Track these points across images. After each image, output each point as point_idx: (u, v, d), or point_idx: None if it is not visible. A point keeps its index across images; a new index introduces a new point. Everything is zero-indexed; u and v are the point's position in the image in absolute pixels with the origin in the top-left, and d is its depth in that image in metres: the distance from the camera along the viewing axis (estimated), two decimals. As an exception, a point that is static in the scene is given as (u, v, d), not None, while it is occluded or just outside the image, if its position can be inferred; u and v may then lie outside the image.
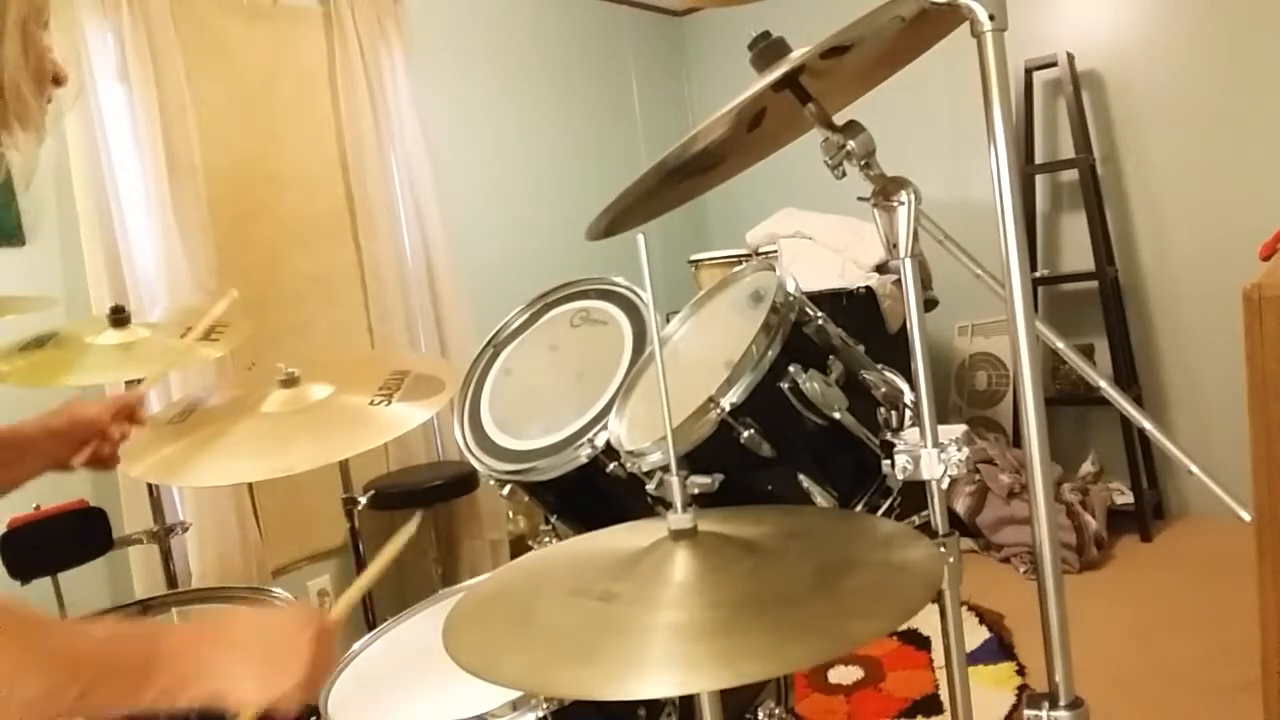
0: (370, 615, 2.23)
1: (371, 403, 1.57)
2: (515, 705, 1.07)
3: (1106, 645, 2.53)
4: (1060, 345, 0.96)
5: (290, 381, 1.61)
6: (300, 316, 2.81)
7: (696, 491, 0.99)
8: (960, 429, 0.91)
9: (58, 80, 0.97)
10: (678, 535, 0.85)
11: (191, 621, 0.84)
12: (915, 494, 0.96)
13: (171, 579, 2.09)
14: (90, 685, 0.73)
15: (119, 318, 1.85)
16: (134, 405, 1.37)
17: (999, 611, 2.78)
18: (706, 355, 1.24)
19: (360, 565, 2.22)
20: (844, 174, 0.92)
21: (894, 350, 1.12)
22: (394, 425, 1.54)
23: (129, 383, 2.00)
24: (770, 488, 1.09)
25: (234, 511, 2.42)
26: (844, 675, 2.52)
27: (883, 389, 1.13)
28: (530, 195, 3.59)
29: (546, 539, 1.41)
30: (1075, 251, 3.49)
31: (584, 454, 1.28)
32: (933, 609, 0.87)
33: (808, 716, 2.37)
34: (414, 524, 1.10)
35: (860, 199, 0.92)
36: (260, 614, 0.97)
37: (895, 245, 0.89)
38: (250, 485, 2.47)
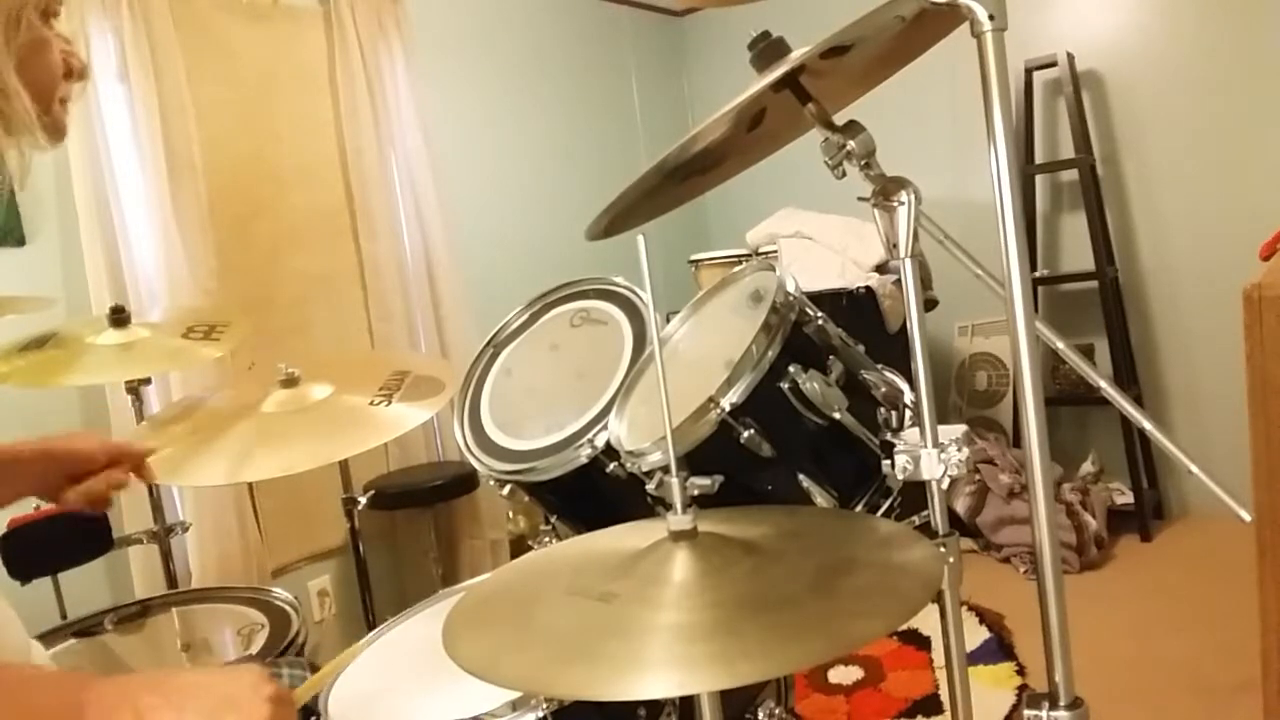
0: (370, 615, 2.23)
1: (371, 403, 1.57)
2: (515, 705, 1.06)
3: (1106, 645, 2.53)
4: (1060, 345, 0.96)
5: (290, 381, 1.61)
6: (300, 316, 2.81)
7: (696, 492, 0.99)
8: (960, 429, 0.91)
9: (71, 74, 0.92)
10: (677, 536, 0.85)
11: (131, 677, 0.78)
12: (915, 494, 0.96)
13: (171, 579, 2.09)
14: None
15: (119, 318, 1.85)
16: (139, 456, 1.28)
17: (999, 611, 2.78)
18: (706, 355, 1.24)
19: (360, 565, 2.23)
20: (844, 174, 0.92)
21: (894, 350, 1.12)
22: (394, 425, 1.54)
23: (129, 383, 2.01)
24: (770, 488, 1.09)
25: (234, 511, 2.42)
26: (844, 675, 2.52)
27: (883, 389, 1.13)
28: (530, 195, 3.59)
29: (546, 539, 1.41)
30: (1075, 251, 3.49)
31: (584, 454, 1.28)
32: (933, 609, 0.87)
33: (808, 716, 2.37)
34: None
35: (860, 199, 0.92)
36: (211, 670, 0.89)
37: (895, 245, 0.89)
38: (250, 485, 2.48)
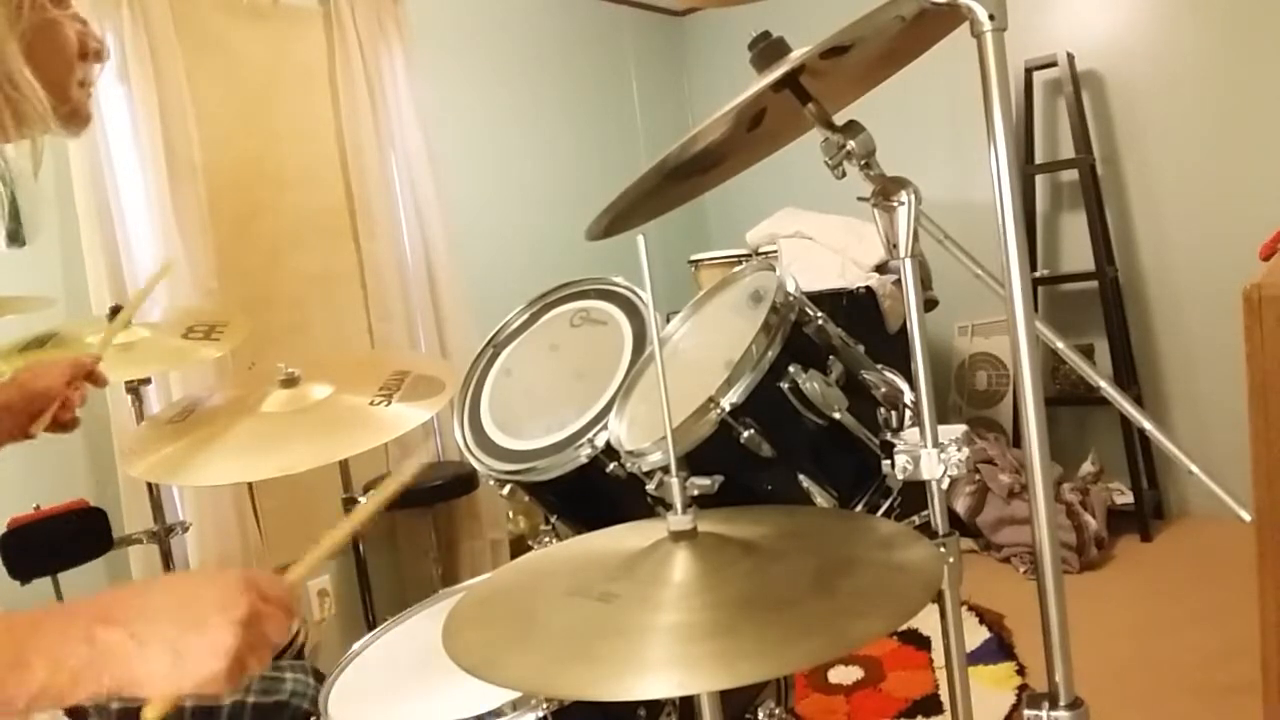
0: (370, 615, 2.23)
1: (371, 403, 1.57)
2: (515, 705, 1.06)
3: (1106, 645, 2.53)
4: (1060, 345, 0.96)
5: (290, 381, 1.61)
6: (300, 316, 2.81)
7: (696, 492, 0.99)
8: (960, 429, 0.91)
9: (86, 55, 0.89)
10: (677, 536, 0.85)
11: (95, 597, 0.70)
12: (915, 494, 0.96)
13: (171, 579, 2.09)
14: None
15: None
16: (90, 366, 1.33)
17: (999, 611, 2.78)
18: (706, 355, 1.24)
19: (360, 565, 2.23)
20: (844, 174, 0.92)
21: (894, 350, 1.12)
22: (394, 425, 1.54)
23: (129, 383, 2.01)
24: (770, 488, 1.09)
25: (234, 511, 2.42)
26: (844, 675, 2.52)
27: (883, 389, 1.13)
28: (530, 195, 3.59)
29: (546, 539, 1.41)
30: (1075, 251, 3.49)
31: (584, 454, 1.28)
32: (933, 609, 0.87)
33: (808, 716, 2.37)
34: (416, 462, 0.96)
35: (860, 199, 0.92)
36: (181, 584, 0.78)
37: (895, 245, 0.89)
38: (250, 485, 2.48)
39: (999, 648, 2.60)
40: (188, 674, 0.67)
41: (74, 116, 0.89)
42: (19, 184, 2.11)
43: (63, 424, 1.29)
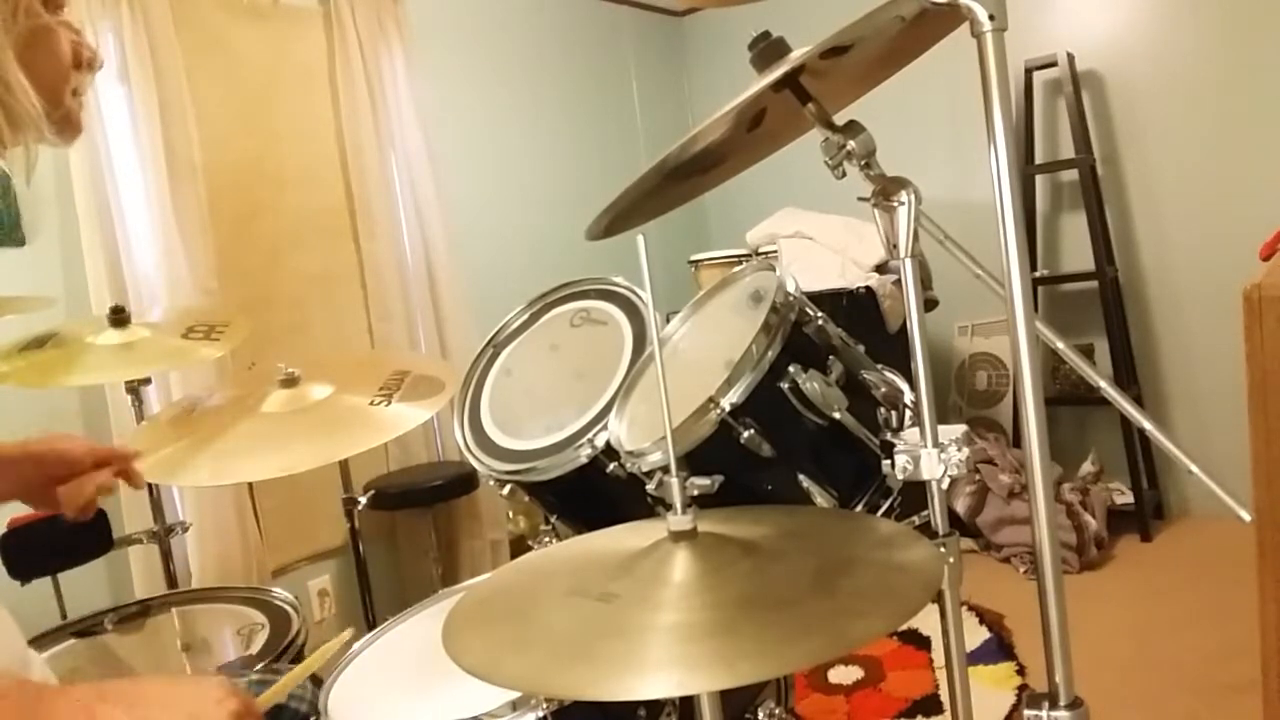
0: (370, 615, 2.23)
1: (371, 403, 1.57)
2: (515, 705, 1.06)
3: (1106, 645, 2.53)
4: (1060, 345, 0.96)
5: (290, 381, 1.61)
6: (300, 316, 2.81)
7: (696, 492, 0.99)
8: (960, 429, 0.91)
9: (81, 64, 0.88)
10: (677, 536, 0.85)
11: (93, 684, 0.75)
12: (915, 494, 0.96)
13: (171, 579, 2.09)
14: None
15: (119, 318, 1.85)
16: (127, 459, 1.24)
17: (999, 611, 2.78)
18: (706, 355, 1.24)
19: (360, 565, 2.22)
20: (844, 174, 0.92)
21: (894, 350, 1.12)
22: (394, 425, 1.54)
23: (129, 383, 2.01)
24: (770, 488, 1.09)
25: (234, 511, 2.42)
26: (844, 675, 2.52)
27: (883, 389, 1.13)
28: (530, 195, 3.59)
29: (546, 539, 1.41)
30: (1075, 251, 3.49)
31: (584, 454, 1.28)
32: (933, 609, 0.87)
33: (808, 716, 2.37)
34: (347, 634, 1.06)
35: (860, 199, 0.92)
36: (174, 679, 0.85)
37: (895, 245, 0.89)
38: (250, 485, 2.48)
39: (999, 648, 2.60)
40: None
41: (66, 124, 0.88)
42: (11, 189, 2.10)
43: (78, 506, 1.18)
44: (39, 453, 1.17)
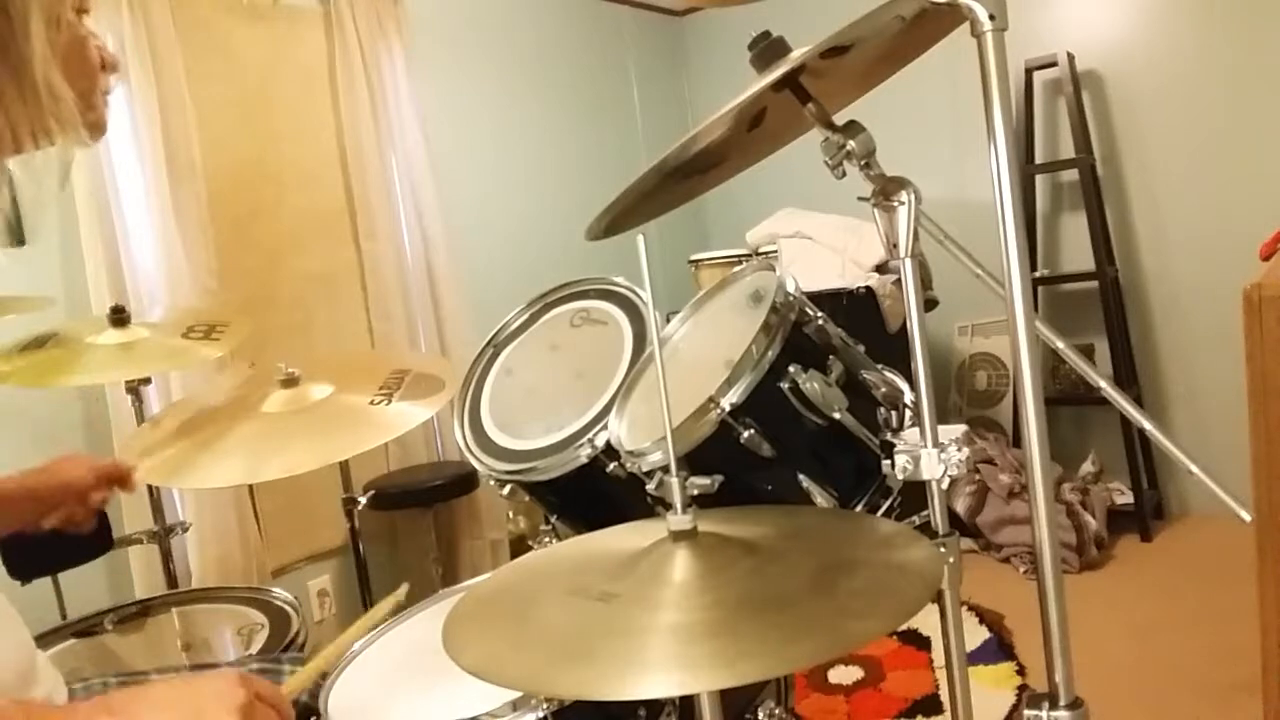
0: (370, 615, 2.23)
1: (371, 403, 1.57)
2: (515, 705, 1.06)
3: (1106, 645, 2.53)
4: (1060, 345, 0.96)
5: (290, 381, 1.61)
6: (300, 316, 2.81)
7: (696, 492, 0.99)
8: (960, 429, 0.91)
9: (106, 66, 0.92)
10: (677, 536, 0.85)
11: (101, 698, 0.76)
12: (915, 494, 0.96)
13: (171, 579, 2.09)
14: None
15: (119, 318, 1.85)
16: (125, 472, 1.27)
17: (999, 611, 2.78)
18: (706, 355, 1.24)
19: (360, 565, 2.22)
20: (844, 174, 0.92)
21: (894, 350, 1.12)
22: (394, 425, 1.54)
23: (129, 383, 2.01)
24: (770, 488, 1.09)
25: (234, 511, 2.42)
26: (844, 675, 2.52)
27: (883, 389, 1.13)
28: (530, 195, 3.59)
29: (546, 539, 1.41)
30: (1075, 251, 3.49)
31: (584, 454, 1.28)
32: (933, 609, 0.87)
33: (808, 716, 2.37)
34: (403, 591, 1.06)
35: (860, 199, 0.92)
36: (180, 680, 0.85)
37: (895, 245, 0.89)
38: (250, 485, 2.47)
39: (999, 648, 2.60)
40: None
41: (96, 125, 0.92)
42: (11, 189, 2.10)
43: (74, 522, 1.22)
44: (38, 488, 1.18)
